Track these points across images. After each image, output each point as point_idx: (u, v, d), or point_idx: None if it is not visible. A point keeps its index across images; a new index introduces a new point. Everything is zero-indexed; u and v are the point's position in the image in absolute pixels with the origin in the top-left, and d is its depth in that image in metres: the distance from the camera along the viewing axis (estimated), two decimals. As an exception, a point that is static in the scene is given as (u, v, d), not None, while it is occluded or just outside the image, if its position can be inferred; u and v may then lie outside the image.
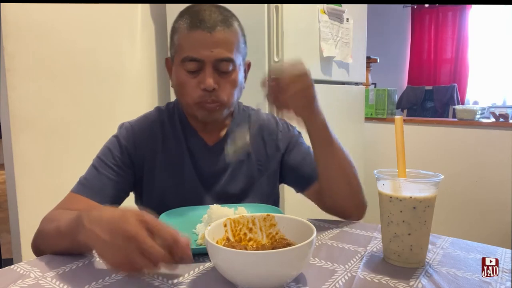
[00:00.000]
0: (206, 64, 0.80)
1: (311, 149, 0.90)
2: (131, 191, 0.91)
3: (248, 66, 0.93)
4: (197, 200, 0.88)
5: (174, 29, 0.85)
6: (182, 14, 0.84)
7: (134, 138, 0.88)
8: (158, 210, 0.81)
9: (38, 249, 0.71)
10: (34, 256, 0.69)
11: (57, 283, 0.56)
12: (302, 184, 0.93)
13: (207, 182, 0.90)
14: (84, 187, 0.81)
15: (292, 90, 0.72)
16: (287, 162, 0.95)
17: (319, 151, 0.83)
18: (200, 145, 0.91)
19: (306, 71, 0.73)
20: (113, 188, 0.83)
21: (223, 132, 0.93)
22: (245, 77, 0.92)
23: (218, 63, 0.81)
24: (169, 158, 0.89)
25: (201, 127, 0.91)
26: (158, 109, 0.96)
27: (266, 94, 0.75)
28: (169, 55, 0.90)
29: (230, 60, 0.82)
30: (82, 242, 0.58)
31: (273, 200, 0.97)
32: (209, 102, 0.82)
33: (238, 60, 0.84)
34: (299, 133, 1.00)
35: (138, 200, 0.93)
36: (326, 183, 0.85)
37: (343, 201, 0.85)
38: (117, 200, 0.85)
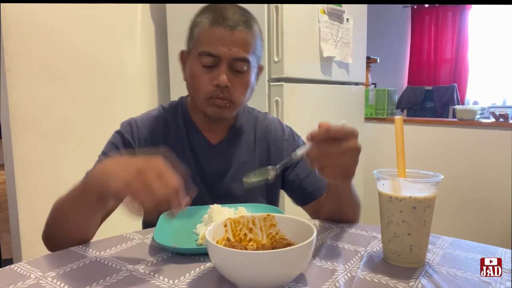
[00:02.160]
0: (222, 61, 0.82)
1: None
2: None
3: (260, 70, 0.93)
4: (199, 199, 0.87)
5: (195, 23, 0.86)
6: (205, 10, 0.86)
7: (138, 134, 0.89)
8: (159, 210, 0.81)
9: (52, 235, 0.73)
10: (34, 256, 0.69)
11: (58, 283, 0.56)
12: (302, 200, 0.94)
13: (209, 182, 0.91)
14: None
15: (344, 146, 0.62)
16: (290, 176, 0.95)
17: (333, 198, 0.82)
18: (203, 143, 0.91)
19: (358, 146, 0.64)
20: None
21: (227, 133, 0.94)
22: (257, 79, 0.93)
23: (234, 61, 0.82)
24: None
25: (205, 126, 0.92)
26: (162, 107, 0.96)
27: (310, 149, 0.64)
28: (185, 48, 0.91)
29: (246, 60, 0.83)
30: (97, 186, 0.61)
31: (274, 204, 0.97)
32: (220, 98, 0.83)
33: (253, 61, 0.86)
34: (304, 143, 1.00)
35: None
36: (330, 217, 0.85)
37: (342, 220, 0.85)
38: None
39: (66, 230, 0.70)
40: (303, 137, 0.99)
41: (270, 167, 0.70)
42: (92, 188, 0.63)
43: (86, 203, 0.67)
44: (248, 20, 0.84)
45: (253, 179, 0.69)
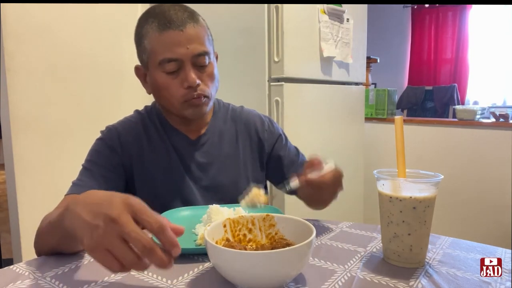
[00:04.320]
0: (185, 62, 0.81)
1: (297, 152, 1.01)
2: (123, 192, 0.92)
3: (216, 58, 0.94)
4: (188, 194, 0.90)
5: (141, 35, 0.84)
6: (145, 18, 0.84)
7: (120, 140, 0.89)
8: (153, 208, 0.81)
9: (38, 250, 0.71)
10: (34, 256, 0.69)
11: (57, 283, 0.56)
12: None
13: (194, 176, 0.92)
14: (81, 187, 0.81)
15: (327, 191, 0.74)
16: (274, 167, 1.00)
17: (315, 201, 0.84)
18: (183, 141, 0.93)
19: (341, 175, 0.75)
20: (109, 186, 0.84)
21: (205, 129, 0.95)
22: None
23: (195, 58, 0.82)
24: (156, 156, 0.90)
25: (183, 125, 0.93)
26: (138, 112, 0.97)
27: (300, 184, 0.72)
28: (138, 63, 0.90)
29: (206, 53, 0.83)
30: (67, 227, 0.53)
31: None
32: (195, 97, 0.83)
33: (211, 52, 0.87)
34: (284, 133, 1.03)
35: None
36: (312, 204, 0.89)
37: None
38: None
39: (55, 248, 0.67)
40: (301, 138, 1.02)
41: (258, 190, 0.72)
42: (70, 235, 0.54)
43: (70, 242, 0.63)
44: (192, 14, 0.83)
45: (248, 204, 0.71)
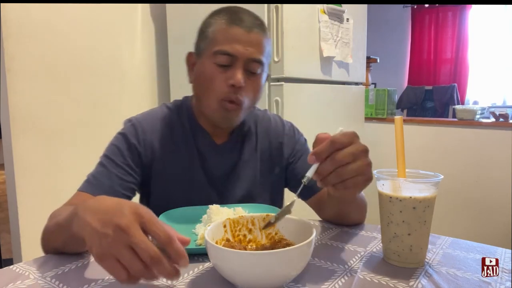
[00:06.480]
0: (238, 61, 0.80)
1: None
2: (137, 192, 0.90)
3: (266, 78, 0.93)
4: (205, 201, 0.86)
5: (208, 23, 0.85)
6: (219, 12, 0.85)
7: (143, 136, 0.87)
8: (166, 208, 0.81)
9: (44, 248, 0.70)
10: (34, 256, 0.69)
11: (57, 283, 0.56)
12: (305, 194, 0.90)
13: (215, 183, 0.90)
14: (93, 185, 0.79)
15: (355, 152, 0.57)
16: (293, 170, 0.95)
17: (341, 207, 0.79)
18: (209, 144, 0.90)
19: (366, 147, 0.59)
20: (123, 187, 0.82)
21: (232, 134, 0.93)
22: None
23: (249, 62, 0.81)
24: (178, 158, 0.88)
25: (210, 127, 0.90)
26: (165, 106, 0.94)
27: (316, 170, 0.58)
28: (188, 50, 0.89)
29: (261, 62, 0.82)
30: (75, 232, 0.53)
31: (276, 204, 0.96)
32: (232, 100, 0.81)
33: (266, 65, 0.86)
34: (305, 140, 1.00)
35: (144, 200, 0.92)
36: (334, 219, 0.85)
37: (349, 223, 0.84)
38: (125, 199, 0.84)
39: (60, 248, 0.67)
40: (305, 136, 0.99)
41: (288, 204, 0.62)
42: (77, 238, 0.54)
43: (77, 244, 0.64)
44: (262, 24, 0.84)
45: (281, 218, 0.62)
